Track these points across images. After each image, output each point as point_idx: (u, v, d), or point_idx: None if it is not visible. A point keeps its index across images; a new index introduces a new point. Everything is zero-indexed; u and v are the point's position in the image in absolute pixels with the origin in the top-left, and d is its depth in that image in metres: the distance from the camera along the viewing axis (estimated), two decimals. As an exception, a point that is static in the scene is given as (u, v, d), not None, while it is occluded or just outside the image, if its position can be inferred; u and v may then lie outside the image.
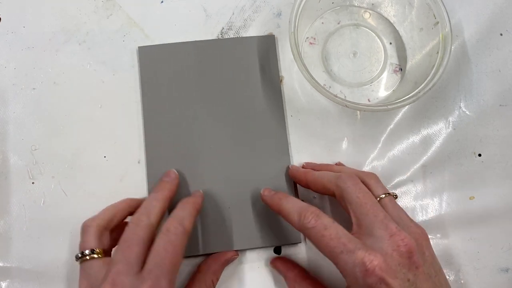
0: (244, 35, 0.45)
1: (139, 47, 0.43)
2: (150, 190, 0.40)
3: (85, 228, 0.32)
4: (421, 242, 0.31)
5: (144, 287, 0.27)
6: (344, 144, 0.42)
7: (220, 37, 0.44)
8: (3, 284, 0.38)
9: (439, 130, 0.43)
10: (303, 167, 0.41)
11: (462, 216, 0.41)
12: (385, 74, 0.44)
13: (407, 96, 0.38)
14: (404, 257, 0.28)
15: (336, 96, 0.37)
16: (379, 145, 0.43)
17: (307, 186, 0.38)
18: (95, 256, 0.31)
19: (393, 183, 0.42)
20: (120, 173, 0.41)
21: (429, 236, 0.32)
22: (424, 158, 0.43)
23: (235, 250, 0.39)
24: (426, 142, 0.43)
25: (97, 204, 0.35)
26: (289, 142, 0.42)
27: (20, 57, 0.43)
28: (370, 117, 0.43)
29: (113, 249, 0.33)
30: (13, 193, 0.40)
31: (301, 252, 0.40)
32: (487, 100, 0.44)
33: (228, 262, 0.38)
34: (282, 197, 0.35)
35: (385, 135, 0.43)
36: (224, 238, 0.39)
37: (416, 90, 0.38)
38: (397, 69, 0.44)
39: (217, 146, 0.41)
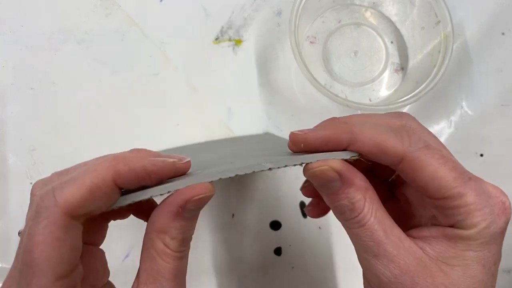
0: (244, 34, 0.44)
1: None
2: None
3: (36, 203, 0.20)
4: None
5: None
6: (345, 144, 0.42)
7: (220, 36, 0.44)
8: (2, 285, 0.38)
9: (441, 130, 0.43)
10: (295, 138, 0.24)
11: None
12: (386, 74, 0.44)
13: (409, 96, 0.38)
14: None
15: (337, 96, 0.37)
16: (380, 145, 0.42)
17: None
18: None
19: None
20: (119, 173, 0.40)
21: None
22: (426, 158, 0.42)
23: (210, 183, 0.22)
24: (428, 142, 0.43)
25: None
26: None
27: (19, 56, 0.43)
28: (371, 117, 0.43)
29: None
30: (12, 194, 0.40)
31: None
32: (489, 100, 0.44)
33: (186, 206, 0.21)
34: (347, 120, 0.23)
35: (386, 135, 0.42)
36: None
37: (418, 90, 0.38)
38: (398, 68, 0.44)
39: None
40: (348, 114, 0.42)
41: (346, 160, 0.22)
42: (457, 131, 0.43)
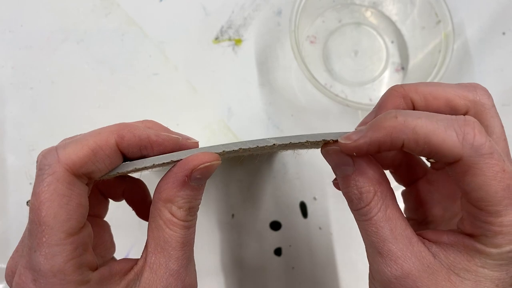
0: (244, 34, 0.44)
1: None
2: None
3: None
4: None
5: None
6: (345, 144, 0.42)
7: (220, 36, 0.44)
8: (1, 286, 0.38)
9: (441, 130, 0.43)
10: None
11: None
12: (386, 73, 0.44)
13: (409, 96, 0.38)
14: None
15: (337, 96, 0.37)
16: (381, 145, 0.42)
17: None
18: None
19: (394, 184, 0.42)
20: (118, 173, 0.40)
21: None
22: (426, 158, 0.42)
23: (216, 153, 0.22)
24: (428, 142, 0.43)
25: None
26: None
27: (18, 56, 0.43)
28: (372, 117, 0.43)
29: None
30: (11, 194, 0.40)
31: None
32: (489, 100, 0.44)
33: (193, 175, 0.21)
34: (397, 115, 0.20)
35: (386, 135, 0.42)
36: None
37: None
38: (399, 68, 0.44)
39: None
40: (348, 114, 0.42)
41: None
42: (458, 131, 0.43)
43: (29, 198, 0.21)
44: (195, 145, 0.23)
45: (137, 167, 0.21)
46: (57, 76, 0.42)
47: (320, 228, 0.41)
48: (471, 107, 0.22)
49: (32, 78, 0.42)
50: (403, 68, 0.44)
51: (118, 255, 0.39)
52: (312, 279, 0.41)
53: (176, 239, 0.21)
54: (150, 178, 0.32)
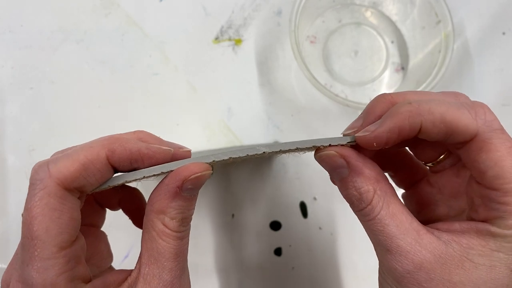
0: (244, 34, 0.44)
1: None
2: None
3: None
4: None
5: None
6: (345, 144, 0.42)
7: (219, 36, 0.44)
8: (1, 286, 0.38)
9: (441, 130, 0.43)
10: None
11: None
12: (386, 73, 0.44)
13: (409, 96, 0.38)
14: None
15: (337, 96, 0.37)
16: (381, 145, 0.42)
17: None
18: None
19: (394, 187, 0.42)
20: (118, 173, 0.40)
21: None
22: (426, 158, 0.42)
23: (206, 163, 0.21)
24: (428, 142, 0.43)
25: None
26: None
27: (18, 56, 0.43)
28: (372, 117, 0.43)
29: None
30: (11, 194, 0.40)
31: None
32: (489, 100, 0.44)
33: (184, 186, 0.21)
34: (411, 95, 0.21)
35: (386, 135, 0.42)
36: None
37: (418, 89, 0.38)
38: (399, 68, 0.44)
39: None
40: (348, 114, 0.42)
41: (343, 145, 0.21)
42: (458, 131, 0.43)
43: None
44: (188, 154, 0.23)
45: (128, 179, 0.21)
46: (57, 76, 0.42)
47: (320, 228, 0.41)
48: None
49: (32, 78, 0.42)
50: (403, 68, 0.44)
51: (118, 255, 0.39)
52: (312, 279, 0.41)
53: (169, 250, 0.21)
54: (147, 187, 0.32)
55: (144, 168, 0.22)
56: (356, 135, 0.21)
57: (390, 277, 0.21)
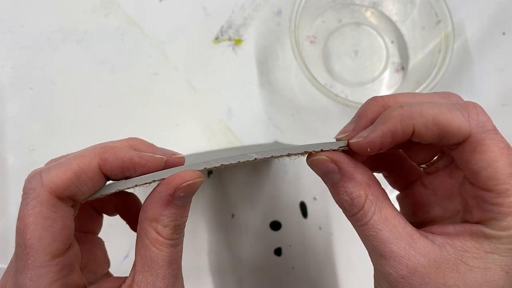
0: (244, 34, 0.44)
1: None
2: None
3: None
4: None
5: None
6: (345, 144, 0.42)
7: (219, 36, 0.44)
8: None
9: (441, 130, 0.43)
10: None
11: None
12: (386, 73, 0.44)
13: (409, 96, 0.38)
14: None
15: (337, 96, 0.37)
16: (381, 145, 0.42)
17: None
18: None
19: (389, 188, 0.42)
20: (118, 173, 0.40)
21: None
22: (426, 158, 0.42)
23: (198, 170, 0.21)
24: (428, 142, 0.43)
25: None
26: (290, 142, 0.42)
27: (18, 56, 0.43)
28: (372, 117, 0.43)
29: None
30: (11, 194, 0.40)
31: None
32: (489, 100, 0.44)
33: (176, 194, 0.21)
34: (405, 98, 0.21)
35: (386, 135, 0.42)
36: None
37: (418, 89, 0.38)
38: (399, 68, 0.44)
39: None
40: (348, 114, 0.42)
41: (334, 150, 0.21)
42: (458, 131, 0.43)
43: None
44: (181, 160, 0.23)
45: (120, 188, 0.22)
46: (57, 76, 0.42)
47: (320, 228, 0.41)
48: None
49: (32, 78, 0.42)
50: (403, 68, 0.44)
51: (118, 255, 0.39)
52: (312, 279, 0.41)
53: (163, 257, 0.21)
54: (143, 192, 0.32)
55: (136, 176, 0.22)
56: (350, 141, 0.21)
57: (385, 282, 0.21)
